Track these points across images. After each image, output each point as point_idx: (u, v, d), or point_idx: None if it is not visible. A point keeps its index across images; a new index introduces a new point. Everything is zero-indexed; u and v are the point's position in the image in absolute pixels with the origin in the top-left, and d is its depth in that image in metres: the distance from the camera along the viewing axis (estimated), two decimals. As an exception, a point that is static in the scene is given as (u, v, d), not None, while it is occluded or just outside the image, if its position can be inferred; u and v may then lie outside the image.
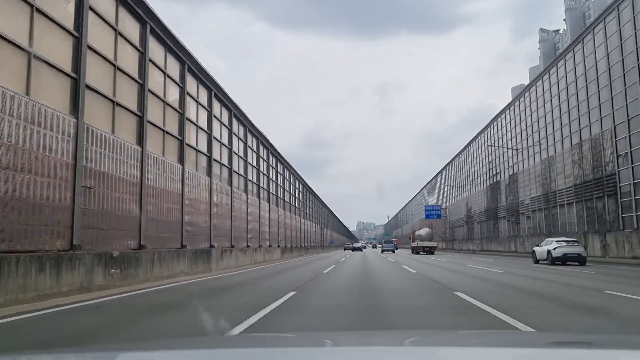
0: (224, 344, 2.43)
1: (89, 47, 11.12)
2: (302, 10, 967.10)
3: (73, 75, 10.54)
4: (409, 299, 9.35)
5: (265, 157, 31.80)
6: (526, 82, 70.85)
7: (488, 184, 53.79)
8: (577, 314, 7.44)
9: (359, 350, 2.08)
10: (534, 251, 25.29)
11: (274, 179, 35.01)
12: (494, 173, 51.77)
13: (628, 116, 26.58)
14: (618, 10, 27.73)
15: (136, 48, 13.87)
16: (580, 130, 32.25)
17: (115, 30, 12.60)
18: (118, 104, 12.50)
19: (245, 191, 26.14)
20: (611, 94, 28.32)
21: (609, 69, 28.49)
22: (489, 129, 54.79)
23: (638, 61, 25.57)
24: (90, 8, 11.22)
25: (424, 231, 49.16)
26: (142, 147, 13.65)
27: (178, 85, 17.13)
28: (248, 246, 25.30)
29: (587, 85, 31.39)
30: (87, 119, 10.85)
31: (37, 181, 9.19)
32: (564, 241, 22.78)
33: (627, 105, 26.69)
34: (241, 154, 25.71)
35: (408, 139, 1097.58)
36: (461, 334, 3.47)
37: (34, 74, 9.36)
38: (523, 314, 6.68)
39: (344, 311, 7.54)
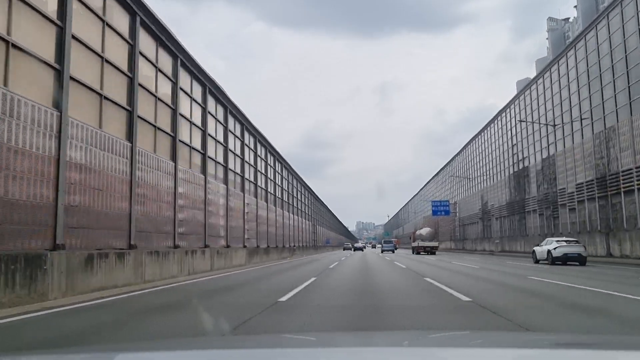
0: (223, 344, 2.45)
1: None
2: (301, 10, 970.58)
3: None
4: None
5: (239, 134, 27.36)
6: (529, 78, 69.29)
7: (511, 172, 46.27)
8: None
9: (358, 351, 2.07)
10: (534, 251, 25.16)
11: (238, 152, 25.33)
12: (520, 158, 43.76)
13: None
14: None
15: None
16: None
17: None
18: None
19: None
20: (628, 83, 26.61)
21: (626, 56, 26.82)
22: (510, 109, 47.38)
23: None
24: (75, -4, 10.75)
25: (425, 230, 48.34)
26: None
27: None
28: (176, 247, 15.75)
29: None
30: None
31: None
32: (565, 241, 22.87)
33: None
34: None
35: (408, 139, 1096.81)
36: (461, 335, 3.48)
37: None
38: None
39: None
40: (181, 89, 17.39)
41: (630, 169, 26.06)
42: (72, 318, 6.99)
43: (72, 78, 10.47)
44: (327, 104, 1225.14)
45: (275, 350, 2.12)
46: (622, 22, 27.50)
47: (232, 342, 2.87)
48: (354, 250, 72.30)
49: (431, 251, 44.74)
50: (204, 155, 19.58)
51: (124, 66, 13.19)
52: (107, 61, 12.17)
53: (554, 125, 35.69)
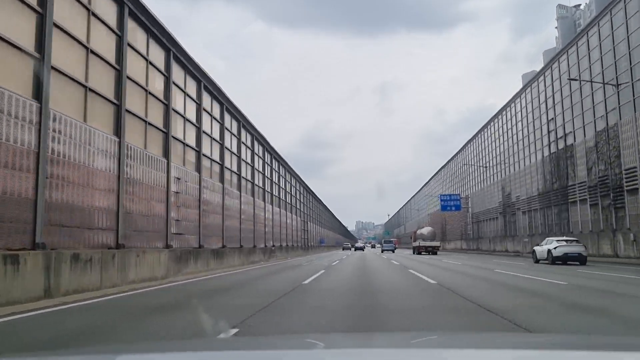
0: (221, 345, 2.41)
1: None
2: (301, 10, 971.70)
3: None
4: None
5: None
6: (535, 71, 65.50)
7: (546, 153, 37.00)
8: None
9: (358, 352, 2.06)
10: (534, 251, 25.13)
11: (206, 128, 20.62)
12: (559, 135, 34.49)
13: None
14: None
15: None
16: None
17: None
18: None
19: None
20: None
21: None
22: (545, 75, 37.94)
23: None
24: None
25: (426, 230, 46.98)
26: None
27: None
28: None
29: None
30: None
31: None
32: (565, 240, 22.76)
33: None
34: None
35: (408, 139, 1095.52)
36: (461, 336, 3.51)
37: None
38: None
39: None
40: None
41: None
42: None
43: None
44: (327, 104, 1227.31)
45: (275, 351, 2.09)
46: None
47: (232, 343, 2.83)
48: (355, 250, 74.09)
49: (433, 251, 43.80)
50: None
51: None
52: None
53: (617, 85, 26.31)
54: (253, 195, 28.33)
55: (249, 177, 27.71)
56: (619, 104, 26.64)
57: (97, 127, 11.54)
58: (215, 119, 21.49)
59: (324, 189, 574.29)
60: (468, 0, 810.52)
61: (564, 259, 21.65)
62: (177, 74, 17.27)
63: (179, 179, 16.58)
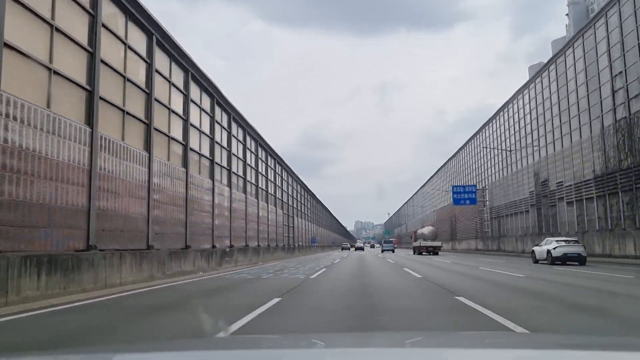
0: (220, 345, 2.41)
1: None
2: (301, 10, 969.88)
3: None
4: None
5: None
6: (542, 62, 54.87)
7: (606, 123, 27.91)
8: None
9: (356, 352, 2.06)
10: (533, 251, 25.18)
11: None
12: (628, 97, 25.59)
13: None
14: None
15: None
16: None
17: None
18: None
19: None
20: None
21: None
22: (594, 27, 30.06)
23: None
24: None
25: (427, 229, 45.95)
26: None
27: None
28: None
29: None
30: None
31: None
32: (564, 241, 22.79)
33: None
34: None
35: (408, 139, 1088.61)
36: (461, 336, 3.47)
37: None
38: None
39: None
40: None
41: None
42: None
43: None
44: (327, 103, 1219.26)
45: (275, 351, 2.11)
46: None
47: (231, 342, 2.79)
48: (355, 250, 74.68)
49: (434, 251, 42.64)
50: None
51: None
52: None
53: None
54: (186, 167, 18.87)
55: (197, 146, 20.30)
56: None
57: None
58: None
59: (324, 189, 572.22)
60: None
61: (563, 259, 21.71)
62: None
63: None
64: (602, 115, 28.36)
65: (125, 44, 13.65)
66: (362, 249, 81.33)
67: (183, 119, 17.91)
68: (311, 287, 11.60)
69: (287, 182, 43.31)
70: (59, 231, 9.99)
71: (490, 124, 51.74)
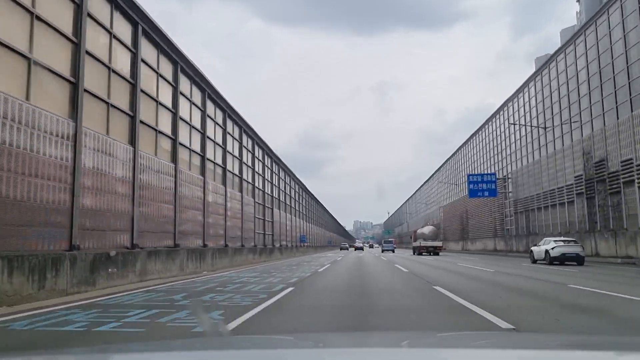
0: (219, 345, 2.29)
1: None
2: (301, 10, 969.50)
3: None
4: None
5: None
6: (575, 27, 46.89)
7: None
8: None
9: (355, 352, 2.04)
10: (531, 251, 25.15)
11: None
12: None
13: None
14: None
15: None
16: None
17: None
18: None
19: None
20: None
21: None
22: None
23: None
24: None
25: (427, 229, 44.29)
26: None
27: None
28: None
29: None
30: None
31: None
32: (562, 241, 22.71)
33: None
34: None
35: (408, 139, 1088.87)
36: (459, 335, 3.42)
37: None
38: None
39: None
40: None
41: None
42: None
43: None
44: (327, 103, 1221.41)
45: (274, 350, 2.11)
46: None
47: (230, 342, 2.52)
48: (355, 250, 73.92)
49: (434, 251, 41.01)
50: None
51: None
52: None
53: None
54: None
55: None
56: None
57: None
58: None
59: (324, 189, 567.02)
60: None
61: (562, 260, 21.73)
62: (147, 51, 15.58)
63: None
64: None
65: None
66: (361, 248, 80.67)
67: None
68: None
69: (264, 164, 33.67)
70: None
71: (512, 103, 42.71)
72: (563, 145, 32.92)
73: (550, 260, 21.91)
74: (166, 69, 17.16)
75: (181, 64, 18.07)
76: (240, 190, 26.42)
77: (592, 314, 7.21)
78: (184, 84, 18.78)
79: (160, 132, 16.29)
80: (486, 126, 51.59)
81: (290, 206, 45.80)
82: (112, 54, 13.15)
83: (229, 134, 24.82)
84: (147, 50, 15.60)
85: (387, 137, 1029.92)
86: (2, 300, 7.70)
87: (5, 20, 9.12)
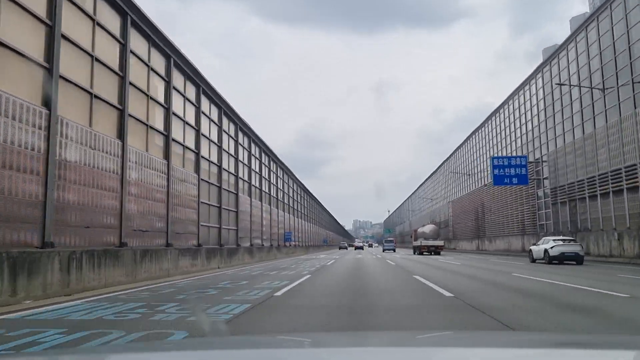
0: (218, 345, 2.33)
1: None
2: (301, 10, 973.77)
3: None
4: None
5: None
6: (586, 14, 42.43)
7: None
8: None
9: (353, 352, 2.03)
10: (530, 250, 25.25)
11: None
12: None
13: None
14: None
15: None
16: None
17: None
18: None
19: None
20: None
21: None
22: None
23: None
24: None
25: (428, 228, 43.83)
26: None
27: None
28: None
29: None
30: None
31: None
32: (561, 240, 22.72)
33: None
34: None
35: (407, 139, 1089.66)
36: (457, 335, 3.51)
37: None
38: None
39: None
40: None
41: None
42: None
43: None
44: (327, 103, 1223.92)
45: (273, 350, 2.09)
46: None
47: (230, 342, 2.56)
48: (355, 249, 73.80)
49: (435, 251, 40.57)
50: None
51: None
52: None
53: None
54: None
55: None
56: None
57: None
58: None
59: (323, 189, 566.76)
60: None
61: (561, 259, 21.73)
62: (137, 43, 14.98)
63: None
64: None
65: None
66: (361, 248, 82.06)
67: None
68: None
69: (240, 144, 27.38)
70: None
71: (550, 66, 35.10)
72: (630, 111, 24.87)
73: (550, 259, 22.01)
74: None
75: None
76: (167, 158, 16.78)
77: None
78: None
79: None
80: (510, 102, 43.65)
81: (271, 196, 36.54)
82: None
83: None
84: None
85: (387, 136, 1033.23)
86: None
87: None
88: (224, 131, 24.35)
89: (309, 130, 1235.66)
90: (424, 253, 40.46)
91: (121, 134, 13.53)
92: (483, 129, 52.76)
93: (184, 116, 18.81)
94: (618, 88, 26.51)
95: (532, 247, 25.10)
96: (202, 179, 20.43)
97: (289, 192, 45.66)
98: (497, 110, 48.07)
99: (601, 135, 27.95)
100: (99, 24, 12.65)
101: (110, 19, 13.51)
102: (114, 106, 13.39)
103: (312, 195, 65.64)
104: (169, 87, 17.27)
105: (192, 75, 19.60)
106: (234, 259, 22.76)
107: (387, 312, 7.29)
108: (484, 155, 51.18)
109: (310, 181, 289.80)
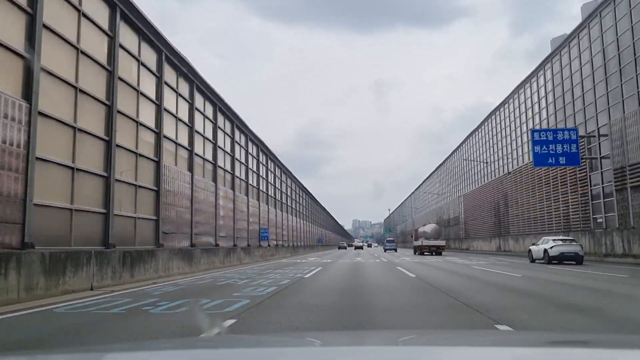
0: (216, 344, 2.36)
1: None
2: (300, 9, 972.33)
3: None
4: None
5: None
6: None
7: None
8: None
9: (353, 351, 2.01)
10: (529, 250, 24.99)
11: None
12: None
13: None
14: None
15: None
16: None
17: None
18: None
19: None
20: None
21: None
22: None
23: None
24: None
25: (429, 227, 42.92)
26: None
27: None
28: None
29: None
30: None
31: None
32: (561, 240, 22.47)
33: None
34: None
35: (407, 138, 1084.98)
36: (456, 334, 3.47)
37: None
38: None
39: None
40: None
41: None
42: None
43: None
44: (327, 103, 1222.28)
45: (273, 349, 2.08)
46: None
47: (229, 342, 2.61)
48: (355, 249, 72.94)
49: (436, 251, 39.43)
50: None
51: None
52: None
53: None
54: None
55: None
56: None
57: None
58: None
59: (323, 189, 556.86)
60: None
61: (560, 259, 21.46)
62: (127, 36, 14.41)
63: None
64: None
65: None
66: (361, 247, 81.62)
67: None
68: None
69: (213, 123, 22.86)
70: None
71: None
72: None
73: (549, 259, 21.76)
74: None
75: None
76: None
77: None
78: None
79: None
80: (547, 64, 34.24)
81: (252, 185, 29.90)
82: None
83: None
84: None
85: (387, 136, 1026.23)
86: None
87: None
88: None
89: (309, 130, 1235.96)
90: (425, 253, 39.48)
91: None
92: (507, 105, 42.99)
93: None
94: None
95: (532, 247, 24.83)
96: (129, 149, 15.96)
97: (275, 182, 38.40)
98: (525, 82, 38.61)
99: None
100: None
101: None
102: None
103: (306, 189, 59.74)
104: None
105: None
106: (170, 269, 14.52)
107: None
108: (506, 138, 42.87)
109: (310, 181, 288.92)
